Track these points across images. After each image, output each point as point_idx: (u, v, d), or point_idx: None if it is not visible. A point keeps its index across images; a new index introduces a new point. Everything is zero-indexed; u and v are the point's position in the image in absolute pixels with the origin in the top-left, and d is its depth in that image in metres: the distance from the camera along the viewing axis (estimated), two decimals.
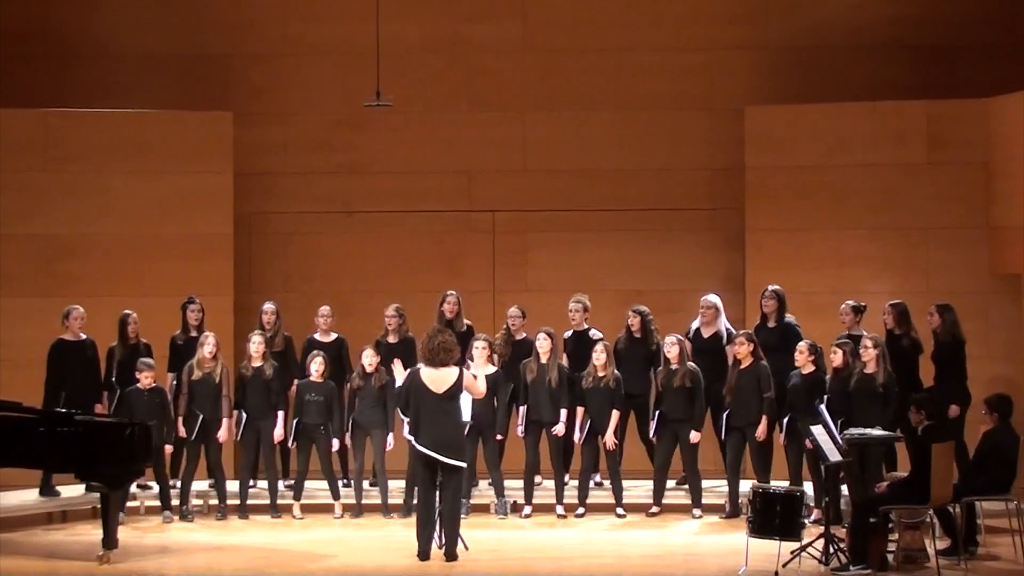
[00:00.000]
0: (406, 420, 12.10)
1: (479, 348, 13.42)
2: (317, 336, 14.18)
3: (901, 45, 15.63)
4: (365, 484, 13.73)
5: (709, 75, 15.83)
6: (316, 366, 13.60)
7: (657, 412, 13.55)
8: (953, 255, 14.92)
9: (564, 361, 13.83)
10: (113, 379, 13.84)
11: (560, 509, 13.68)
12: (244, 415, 13.64)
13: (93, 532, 12.54)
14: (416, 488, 12.00)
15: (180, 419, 13.59)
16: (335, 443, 13.66)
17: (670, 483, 13.87)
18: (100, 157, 15.14)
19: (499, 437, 13.67)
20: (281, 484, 13.90)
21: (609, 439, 13.50)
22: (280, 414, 13.69)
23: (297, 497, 13.74)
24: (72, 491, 13.77)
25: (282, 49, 15.93)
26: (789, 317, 13.92)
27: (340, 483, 13.86)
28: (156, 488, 13.72)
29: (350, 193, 15.91)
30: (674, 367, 13.50)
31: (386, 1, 14.54)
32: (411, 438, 11.86)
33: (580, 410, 13.59)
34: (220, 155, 15.29)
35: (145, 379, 13.38)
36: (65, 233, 15.10)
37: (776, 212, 15.17)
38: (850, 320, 13.66)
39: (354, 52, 15.37)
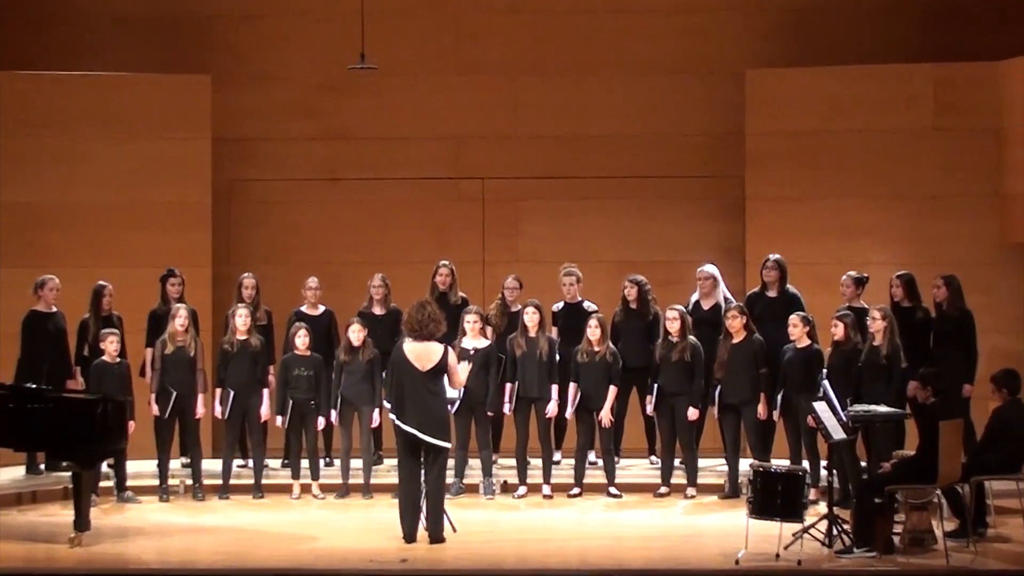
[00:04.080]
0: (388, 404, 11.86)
1: (471, 321, 13.28)
2: (304, 309, 13.95)
3: (908, 5, 15.41)
4: (354, 463, 13.45)
5: (707, 37, 15.63)
6: (301, 339, 13.39)
7: (655, 386, 13.36)
8: (961, 224, 14.77)
9: (554, 334, 13.61)
10: (85, 353, 13.58)
11: (547, 489, 13.47)
12: (231, 392, 13.36)
13: (65, 513, 12.28)
14: (399, 468, 11.75)
15: (153, 396, 13.34)
16: (321, 421, 13.41)
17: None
18: (72, 122, 14.92)
19: (490, 414, 13.46)
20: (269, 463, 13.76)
21: (605, 416, 13.30)
22: (266, 391, 13.50)
23: (295, 476, 13.52)
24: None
25: (263, 10, 15.69)
26: (791, 287, 13.76)
27: (322, 462, 13.62)
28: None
29: (334, 160, 15.71)
30: (674, 340, 13.28)
31: None
32: (394, 416, 11.61)
33: (572, 386, 13.39)
34: (198, 120, 15.08)
35: (111, 346, 13.11)
36: (35, 201, 14.85)
37: (777, 180, 15.03)
38: (851, 292, 13.49)
39: (338, 13, 15.17)
